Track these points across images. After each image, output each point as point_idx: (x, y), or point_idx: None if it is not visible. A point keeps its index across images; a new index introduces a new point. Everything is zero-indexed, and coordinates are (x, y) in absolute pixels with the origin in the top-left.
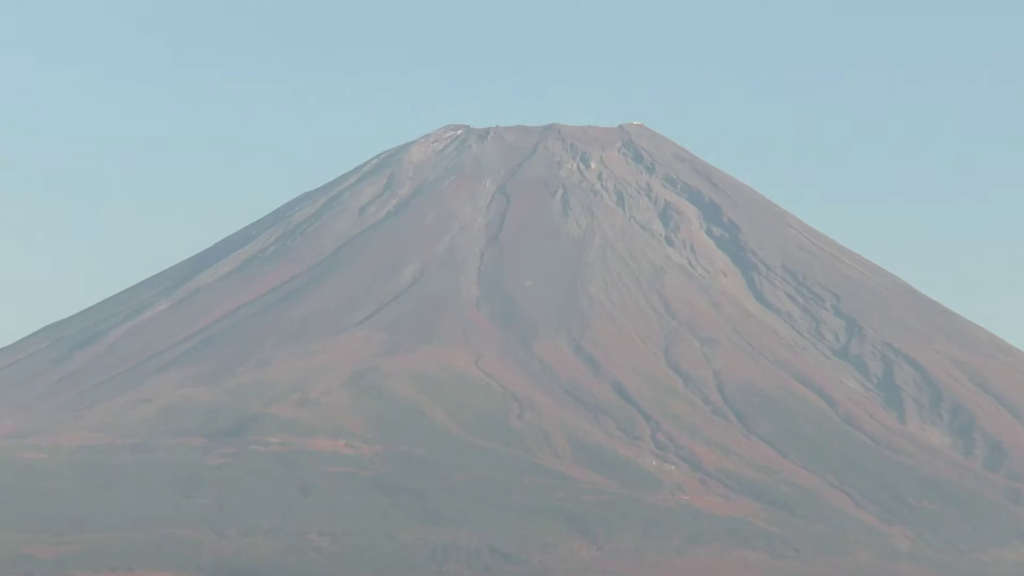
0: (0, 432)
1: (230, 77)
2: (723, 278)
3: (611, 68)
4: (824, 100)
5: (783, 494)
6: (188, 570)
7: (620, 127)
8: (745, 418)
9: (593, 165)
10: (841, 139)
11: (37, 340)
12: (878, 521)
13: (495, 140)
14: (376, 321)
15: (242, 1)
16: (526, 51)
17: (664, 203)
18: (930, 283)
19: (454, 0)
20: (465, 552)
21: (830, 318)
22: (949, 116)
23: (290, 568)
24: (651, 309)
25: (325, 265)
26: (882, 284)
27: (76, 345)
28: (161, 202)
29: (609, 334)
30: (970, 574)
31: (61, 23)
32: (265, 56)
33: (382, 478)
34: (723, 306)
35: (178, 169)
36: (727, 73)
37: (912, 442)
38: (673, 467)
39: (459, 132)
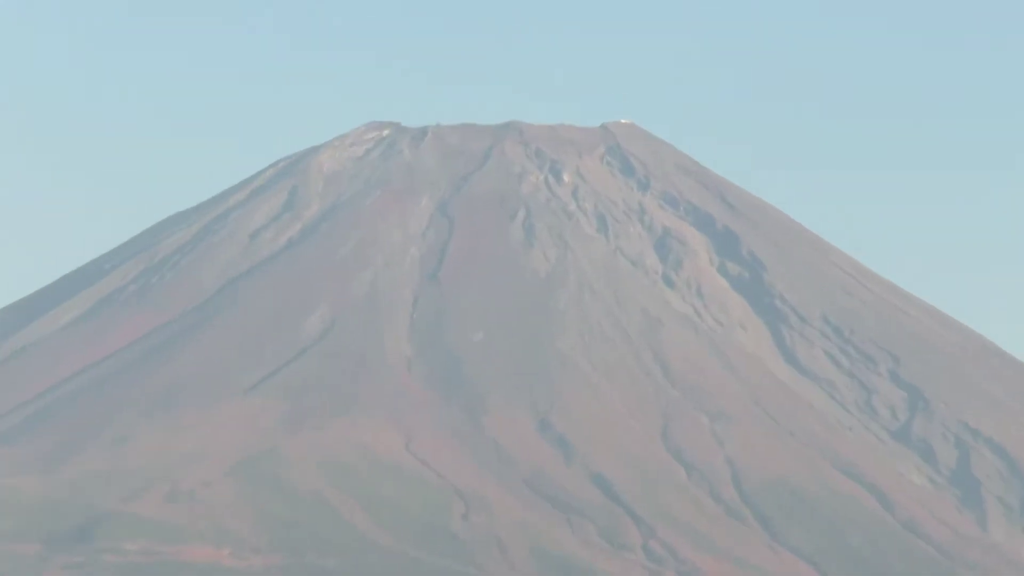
0: None
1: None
2: (741, 332)
3: (589, 47)
4: (880, 92)
5: None
6: None
7: (603, 126)
8: (769, 522)
9: (566, 177)
10: (902, 147)
11: None
12: None
13: (434, 143)
14: (272, 387)
15: None
16: (475, 23)
17: (662, 229)
18: (1020, 341)
19: None
20: None
21: (886, 387)
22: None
23: None
24: (643, 373)
25: (203, 311)
26: (956, 342)
27: None
28: None
29: (587, 407)
30: None
31: None
32: (123, 30)
33: None
34: (741, 370)
35: (4, 180)
36: (746, 57)
37: (996, 555)
38: None
39: (385, 132)
